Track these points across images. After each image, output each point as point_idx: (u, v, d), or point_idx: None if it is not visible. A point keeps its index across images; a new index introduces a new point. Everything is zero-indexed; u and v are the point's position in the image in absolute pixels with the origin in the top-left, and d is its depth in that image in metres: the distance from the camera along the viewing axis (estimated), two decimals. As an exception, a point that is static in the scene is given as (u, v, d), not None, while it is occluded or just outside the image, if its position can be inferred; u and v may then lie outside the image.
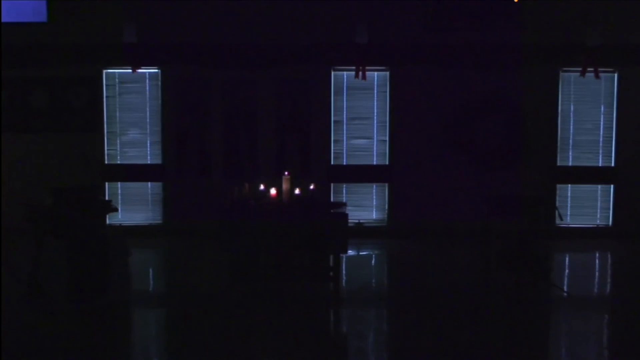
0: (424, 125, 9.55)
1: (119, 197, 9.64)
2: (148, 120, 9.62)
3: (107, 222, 9.10)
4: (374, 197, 9.75)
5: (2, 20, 9.09)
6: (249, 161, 9.57)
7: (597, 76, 9.26)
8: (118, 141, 9.66)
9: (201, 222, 9.23)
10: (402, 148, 9.60)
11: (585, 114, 9.59)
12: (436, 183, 9.54)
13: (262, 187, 6.72)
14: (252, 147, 9.59)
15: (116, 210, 6.77)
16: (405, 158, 9.59)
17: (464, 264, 7.94)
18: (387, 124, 9.63)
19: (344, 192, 9.72)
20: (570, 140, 9.61)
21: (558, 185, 9.62)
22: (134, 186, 9.70)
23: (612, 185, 9.61)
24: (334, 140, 9.67)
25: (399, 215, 9.60)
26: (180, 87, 9.51)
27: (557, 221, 8.73)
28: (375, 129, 9.67)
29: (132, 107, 9.60)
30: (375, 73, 9.58)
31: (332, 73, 9.58)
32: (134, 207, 9.70)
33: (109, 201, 6.91)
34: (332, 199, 9.47)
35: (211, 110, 9.54)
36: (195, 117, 9.58)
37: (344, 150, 9.70)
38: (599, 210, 9.72)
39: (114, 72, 9.57)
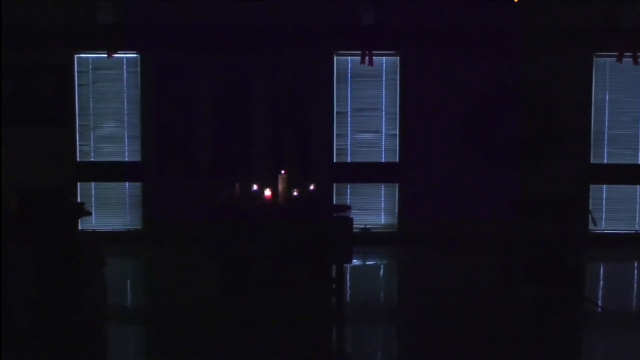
0: (439, 117, 9.57)
1: (93, 199, 9.66)
2: (125, 111, 9.63)
3: (80, 227, 9.24)
4: (382, 199, 9.78)
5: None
6: (240, 158, 9.61)
7: (635, 62, 9.25)
8: (91, 135, 9.66)
9: (186, 228, 9.28)
10: (414, 143, 9.61)
11: (622, 105, 9.60)
12: (453, 183, 9.56)
13: (255, 187, 6.73)
14: (244, 142, 9.63)
15: (90, 214, 6.78)
16: (417, 155, 9.61)
17: (484, 275, 7.97)
18: (397, 116, 9.65)
19: (348, 193, 9.77)
20: (606, 135, 9.63)
21: (591, 186, 9.63)
22: (110, 187, 9.71)
23: (653, 186, 9.64)
24: (336, 135, 9.70)
25: (411, 220, 9.63)
26: (162, 74, 9.52)
27: (591, 226, 8.73)
28: (383, 121, 9.70)
29: (107, 96, 9.60)
30: (384, 58, 9.60)
31: (335, 58, 9.61)
32: (109, 211, 9.71)
33: (82, 204, 6.89)
34: (334, 201, 9.49)
35: (198, 101, 9.56)
36: (180, 109, 9.58)
37: (348, 146, 9.72)
38: (638, 214, 9.71)
39: (87, 57, 9.58)
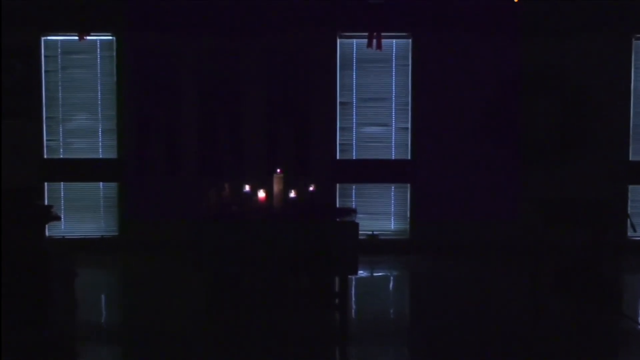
0: (457, 108, 9.59)
1: (62, 201, 9.67)
2: (99, 102, 9.66)
3: (47, 234, 9.23)
4: (392, 201, 9.81)
5: None
6: (230, 155, 9.66)
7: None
8: (60, 129, 9.70)
9: (169, 234, 9.34)
10: (429, 138, 9.63)
11: (666, 94, 9.62)
12: (472, 183, 9.59)
13: (247, 188, 6.76)
14: (235, 137, 9.67)
15: (59, 219, 6.77)
16: (432, 151, 9.63)
17: (508, 288, 7.98)
18: (409, 107, 9.68)
19: (353, 194, 9.81)
20: (646, 128, 9.65)
21: (630, 186, 9.65)
22: (82, 187, 9.74)
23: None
24: (340, 128, 9.74)
25: (425, 225, 9.67)
26: (141, 59, 9.54)
27: (629, 232, 8.73)
28: (393, 113, 9.75)
29: (78, 85, 9.64)
30: (394, 41, 9.64)
31: (339, 41, 9.65)
32: (81, 215, 9.75)
33: (49, 207, 6.88)
34: (337, 204, 9.57)
35: (182, 90, 9.62)
36: (162, 99, 9.61)
37: (354, 141, 9.77)
38: (683, 219, 9.73)
39: (55, 39, 9.58)
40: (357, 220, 6.48)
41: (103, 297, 7.97)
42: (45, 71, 9.58)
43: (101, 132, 9.70)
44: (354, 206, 9.26)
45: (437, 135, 9.62)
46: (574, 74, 9.44)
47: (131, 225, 9.66)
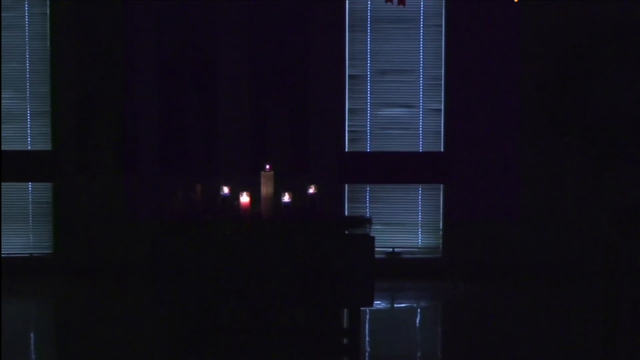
0: (505, 84, 9.53)
1: (-21, 208, 9.67)
2: (28, 75, 9.67)
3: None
4: (420, 208, 9.75)
5: None
6: (203, 147, 9.70)
7: None
8: (-23, 112, 9.73)
9: (119, 252, 9.40)
10: (468, 123, 9.59)
11: None
12: (525, 184, 9.55)
13: (225, 190, 6.74)
14: (210, 123, 9.66)
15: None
16: (472, 141, 9.59)
17: (575, 320, 7.96)
18: (442, 82, 9.67)
19: (367, 199, 9.77)
20: None
21: None
22: (5, 190, 9.67)
23: None
24: (349, 110, 9.71)
25: (462, 240, 9.64)
26: (84, 19, 9.49)
27: None
28: (420, 90, 9.72)
29: (2, 53, 9.59)
30: (422, -6, 9.58)
31: (347, -5, 9.59)
32: (4, 227, 9.66)
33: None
34: (346, 212, 9.59)
35: (139, 60, 9.59)
36: (111, 71, 9.54)
37: (367, 128, 9.76)
38: None
39: (-29, -7, 9.63)
40: (372, 234, 6.51)
41: (32, 335, 7.95)
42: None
43: (30, 116, 9.72)
44: (367, 214, 9.18)
45: (479, 119, 9.59)
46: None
47: (69, 240, 9.62)
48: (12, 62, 9.66)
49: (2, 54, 9.58)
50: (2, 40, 9.59)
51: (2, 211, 9.66)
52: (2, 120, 9.66)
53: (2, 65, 9.61)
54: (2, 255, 9.56)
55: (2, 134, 9.65)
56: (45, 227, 9.75)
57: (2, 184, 9.66)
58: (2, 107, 9.65)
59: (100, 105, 9.60)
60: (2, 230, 9.63)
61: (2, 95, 9.66)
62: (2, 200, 9.66)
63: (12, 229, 9.76)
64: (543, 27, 9.46)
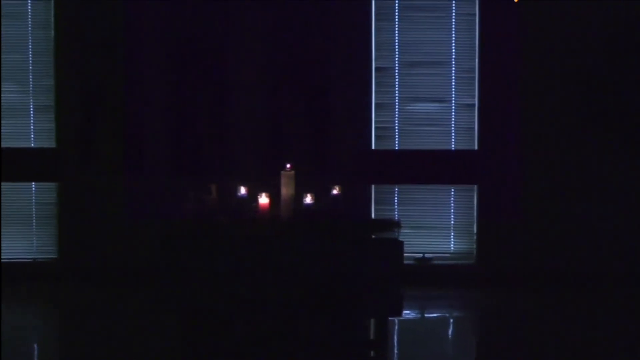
0: (546, 77, 9.56)
1: (-21, 210, 9.76)
2: (31, 67, 9.73)
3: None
4: (452, 210, 9.79)
5: None
6: (218, 146, 9.74)
7: None
8: (-27, 107, 9.81)
9: (127, 257, 9.48)
10: (504, 120, 9.57)
11: None
12: (568, 185, 9.57)
13: (242, 191, 6.76)
14: (225, 120, 9.68)
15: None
16: (507, 138, 9.56)
17: (620, 335, 7.90)
18: (476, 76, 9.69)
19: (395, 201, 9.81)
20: None
21: None
22: (5, 190, 9.74)
23: None
24: (375, 105, 9.72)
25: (498, 245, 9.65)
26: (90, 9, 9.53)
27: None
28: (453, 84, 9.76)
29: (3, 44, 9.64)
30: (455, -21, 9.67)
31: (374, -18, 9.70)
32: (5, 229, 9.72)
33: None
34: (372, 215, 9.61)
35: (148, 52, 9.63)
36: (119, 64, 9.59)
37: (396, 125, 9.79)
38: None
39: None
40: (400, 238, 6.47)
41: (36, 347, 7.97)
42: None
43: (33, 111, 9.77)
44: (396, 217, 9.31)
45: (516, 115, 9.57)
46: None
47: (75, 244, 9.67)
48: (15, 53, 9.70)
49: (2, 44, 9.59)
50: (3, 29, 9.60)
51: (3, 213, 9.71)
52: (2, 116, 9.67)
53: (2, 57, 9.61)
54: (4, 261, 9.59)
55: (2, 130, 9.67)
56: (49, 230, 9.82)
57: (3, 184, 9.69)
58: (2, 101, 9.66)
59: (107, 99, 9.62)
60: (2, 233, 9.64)
61: (2, 89, 9.67)
62: (3, 201, 9.68)
63: (14, 232, 9.81)
64: (591, 16, 9.44)
